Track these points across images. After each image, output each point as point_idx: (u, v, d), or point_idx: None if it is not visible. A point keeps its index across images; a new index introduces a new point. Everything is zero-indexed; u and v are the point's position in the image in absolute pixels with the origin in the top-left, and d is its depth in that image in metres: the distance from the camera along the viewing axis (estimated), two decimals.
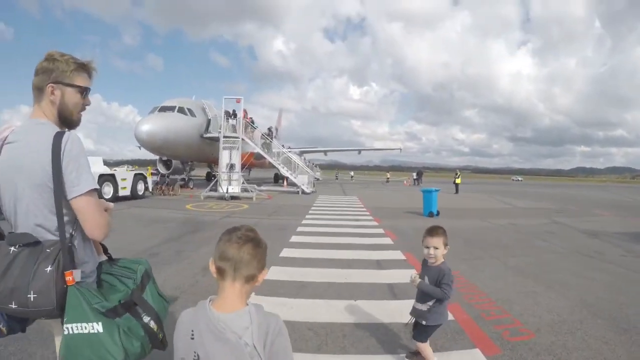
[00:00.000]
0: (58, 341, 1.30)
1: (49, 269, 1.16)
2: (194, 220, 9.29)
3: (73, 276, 1.20)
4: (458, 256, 5.55)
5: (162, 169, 21.70)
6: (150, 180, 15.59)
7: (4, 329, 1.25)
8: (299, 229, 8.22)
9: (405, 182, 43.65)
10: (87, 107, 1.41)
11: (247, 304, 1.08)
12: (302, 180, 19.75)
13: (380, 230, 8.37)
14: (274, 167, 21.52)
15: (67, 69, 1.31)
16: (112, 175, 12.99)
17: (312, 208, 12.64)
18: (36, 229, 1.25)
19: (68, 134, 1.25)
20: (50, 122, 1.31)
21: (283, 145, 29.31)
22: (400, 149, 46.06)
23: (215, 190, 15.60)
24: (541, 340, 2.89)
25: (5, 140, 1.27)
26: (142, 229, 7.97)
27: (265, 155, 19.82)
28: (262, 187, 20.99)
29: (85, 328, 1.15)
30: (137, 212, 10.76)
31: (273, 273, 4.47)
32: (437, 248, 2.28)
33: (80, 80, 1.35)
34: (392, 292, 4.07)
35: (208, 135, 19.22)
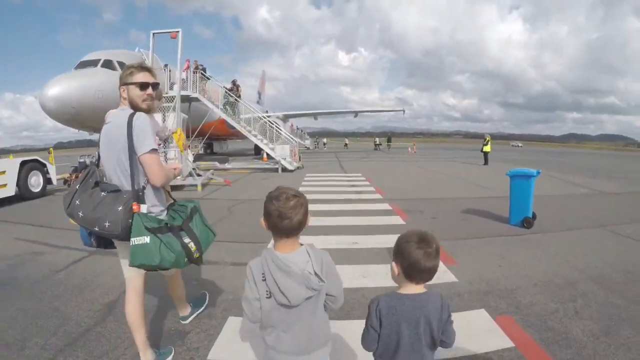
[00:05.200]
0: (122, 264, 2.11)
1: (120, 208, 1.83)
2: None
3: (140, 208, 1.88)
4: None
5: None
6: (52, 168, 9.61)
7: (94, 243, 2.10)
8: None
9: (409, 149, 37.03)
10: (149, 95, 2.01)
11: (302, 244, 1.37)
12: (283, 153, 14.14)
13: (490, 321, 2.82)
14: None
15: (126, 73, 2.01)
16: None
17: None
18: (120, 181, 1.94)
19: (137, 114, 1.91)
20: (128, 108, 1.99)
21: (267, 111, 23.38)
22: (404, 111, 39.65)
23: None
24: None
25: (105, 121, 2.01)
26: None
27: (227, 118, 13.90)
28: (228, 165, 15.17)
29: (140, 240, 1.79)
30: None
31: None
32: None
33: (138, 78, 1.99)
34: None
35: None
